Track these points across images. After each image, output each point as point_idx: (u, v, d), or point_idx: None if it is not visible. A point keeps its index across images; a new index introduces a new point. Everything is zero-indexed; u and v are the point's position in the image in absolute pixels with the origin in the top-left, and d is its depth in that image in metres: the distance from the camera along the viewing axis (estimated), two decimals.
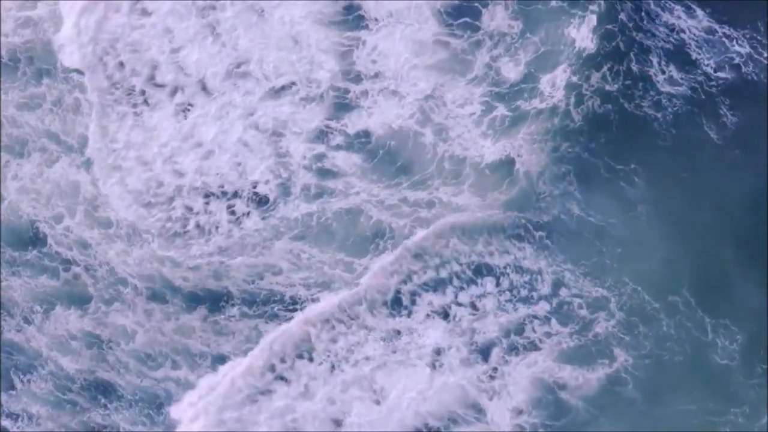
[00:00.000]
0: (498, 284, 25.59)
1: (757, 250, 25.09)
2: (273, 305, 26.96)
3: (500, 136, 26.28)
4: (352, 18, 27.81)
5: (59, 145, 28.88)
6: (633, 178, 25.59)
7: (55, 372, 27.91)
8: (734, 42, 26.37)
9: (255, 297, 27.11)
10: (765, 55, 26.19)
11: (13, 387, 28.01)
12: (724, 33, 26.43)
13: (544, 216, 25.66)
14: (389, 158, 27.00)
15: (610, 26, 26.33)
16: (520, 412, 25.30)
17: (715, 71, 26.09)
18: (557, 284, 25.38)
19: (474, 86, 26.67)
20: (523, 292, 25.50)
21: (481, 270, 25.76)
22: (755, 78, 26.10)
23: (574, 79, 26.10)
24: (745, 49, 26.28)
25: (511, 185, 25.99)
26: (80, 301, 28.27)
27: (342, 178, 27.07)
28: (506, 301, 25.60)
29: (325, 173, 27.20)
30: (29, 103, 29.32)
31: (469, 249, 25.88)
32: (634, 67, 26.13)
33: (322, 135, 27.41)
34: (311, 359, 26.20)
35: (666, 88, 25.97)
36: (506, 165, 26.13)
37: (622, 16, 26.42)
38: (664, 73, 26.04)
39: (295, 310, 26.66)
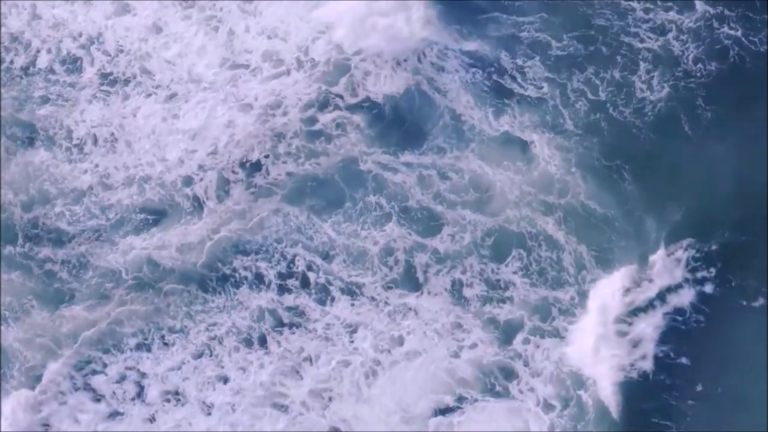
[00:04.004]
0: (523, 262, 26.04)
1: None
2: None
3: (497, 111, 26.83)
4: None
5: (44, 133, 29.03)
6: (623, 174, 26.01)
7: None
8: (725, 24, 26.45)
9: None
10: (757, 36, 26.17)
11: None
12: (717, 13, 26.50)
13: (561, 199, 26.10)
14: (393, 122, 27.24)
15: (584, 31, 26.87)
16: (549, 408, 25.31)
17: (695, 63, 26.33)
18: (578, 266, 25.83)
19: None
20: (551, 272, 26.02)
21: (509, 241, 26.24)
22: (738, 61, 26.31)
23: (556, 77, 26.66)
24: (737, 32, 26.37)
25: (529, 164, 26.43)
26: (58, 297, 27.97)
27: (338, 140, 27.20)
28: (531, 284, 25.95)
29: (319, 137, 27.40)
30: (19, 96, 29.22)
31: (490, 219, 26.27)
32: (617, 74, 26.57)
33: (321, 104, 27.52)
34: (306, 330, 26.45)
35: (645, 94, 26.39)
36: (513, 142, 26.69)
37: (600, 21, 26.83)
38: (645, 81, 26.41)
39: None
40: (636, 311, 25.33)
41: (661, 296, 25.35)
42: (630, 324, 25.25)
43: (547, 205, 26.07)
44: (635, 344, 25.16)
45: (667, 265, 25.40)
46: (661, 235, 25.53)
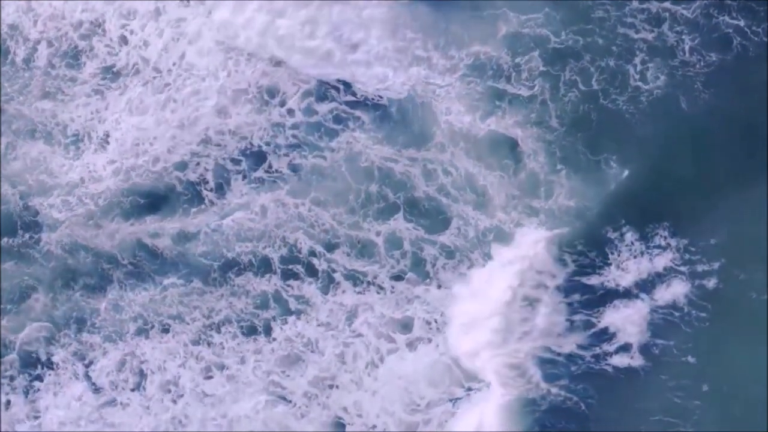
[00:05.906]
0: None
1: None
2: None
3: (485, 114, 26.43)
4: None
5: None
6: (611, 165, 25.54)
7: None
8: (725, 13, 25.90)
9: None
10: (760, 27, 26.00)
11: None
12: (716, 1, 26.23)
13: (544, 203, 25.78)
14: (396, 122, 27.04)
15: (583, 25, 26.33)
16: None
17: (692, 54, 25.76)
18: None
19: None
20: None
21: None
22: (741, 50, 25.70)
23: (549, 69, 26.21)
24: (739, 22, 25.78)
25: (516, 163, 26.11)
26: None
27: (340, 134, 27.10)
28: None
29: (319, 128, 27.26)
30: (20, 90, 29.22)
31: (487, 218, 26.08)
32: (612, 63, 25.93)
33: (318, 95, 27.34)
34: (308, 322, 26.62)
35: (639, 83, 25.82)
36: (503, 144, 26.28)
37: (599, 12, 26.31)
38: (639, 71, 25.86)
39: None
40: (604, 301, 25.20)
41: (644, 288, 25.13)
42: (591, 314, 25.20)
43: (532, 208, 25.81)
44: (607, 337, 25.07)
45: (642, 254, 25.13)
46: (643, 224, 25.37)
